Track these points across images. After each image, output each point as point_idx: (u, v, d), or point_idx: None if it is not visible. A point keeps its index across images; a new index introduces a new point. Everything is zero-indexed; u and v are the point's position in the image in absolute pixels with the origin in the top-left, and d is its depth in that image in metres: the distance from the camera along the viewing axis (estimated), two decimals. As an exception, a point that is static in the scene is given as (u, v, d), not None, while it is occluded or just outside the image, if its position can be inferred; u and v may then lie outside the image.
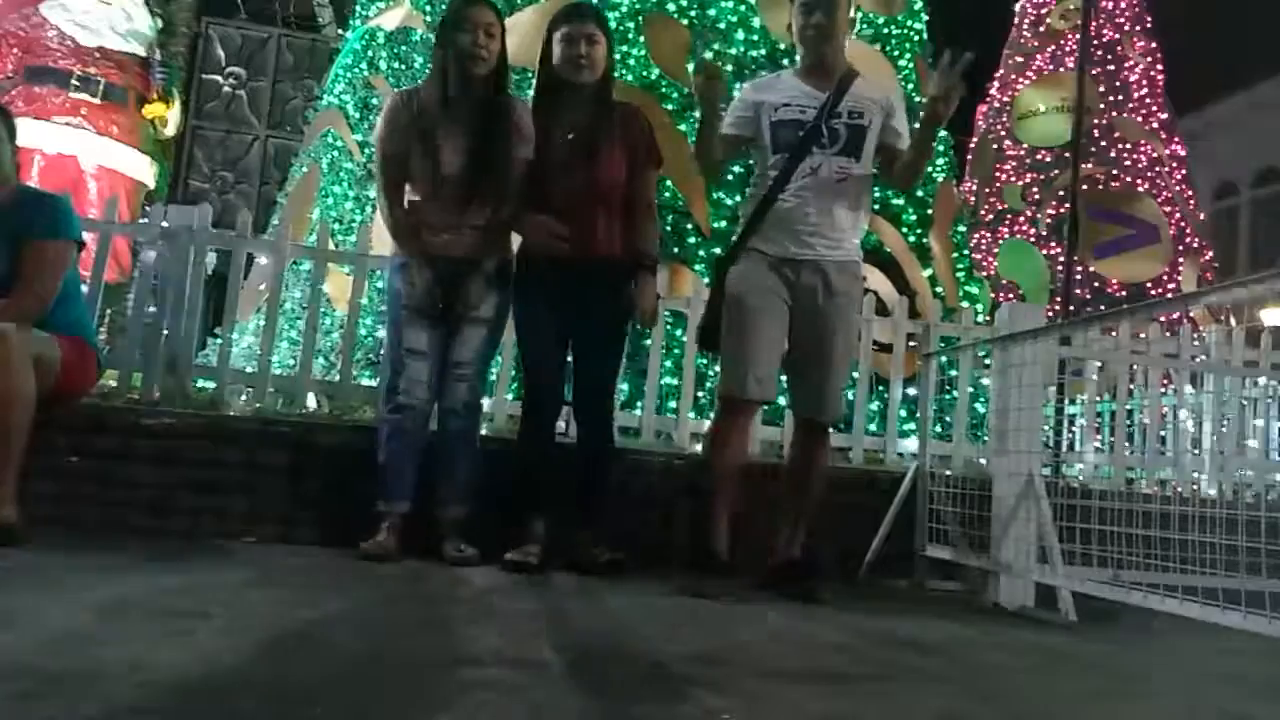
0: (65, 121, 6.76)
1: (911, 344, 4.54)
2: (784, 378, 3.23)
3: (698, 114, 3.21)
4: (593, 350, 3.22)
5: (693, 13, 5.43)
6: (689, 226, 4.96)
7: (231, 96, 11.98)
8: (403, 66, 6.03)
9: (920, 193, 5.68)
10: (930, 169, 5.98)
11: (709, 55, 5.28)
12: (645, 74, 5.20)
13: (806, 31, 3.14)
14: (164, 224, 3.93)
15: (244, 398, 4.06)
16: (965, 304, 5.59)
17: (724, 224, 4.82)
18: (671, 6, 5.40)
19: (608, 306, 3.21)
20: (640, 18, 5.31)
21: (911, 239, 5.52)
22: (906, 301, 4.54)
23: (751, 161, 3.43)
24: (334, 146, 6.30)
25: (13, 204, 3.06)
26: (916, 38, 6.28)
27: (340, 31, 9.13)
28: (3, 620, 1.88)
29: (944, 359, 4.44)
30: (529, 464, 3.21)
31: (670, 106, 5.11)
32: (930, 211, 5.75)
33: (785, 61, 5.30)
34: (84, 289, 3.49)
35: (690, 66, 5.23)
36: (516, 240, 3.32)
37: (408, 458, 3.12)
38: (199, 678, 1.58)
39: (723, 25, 5.40)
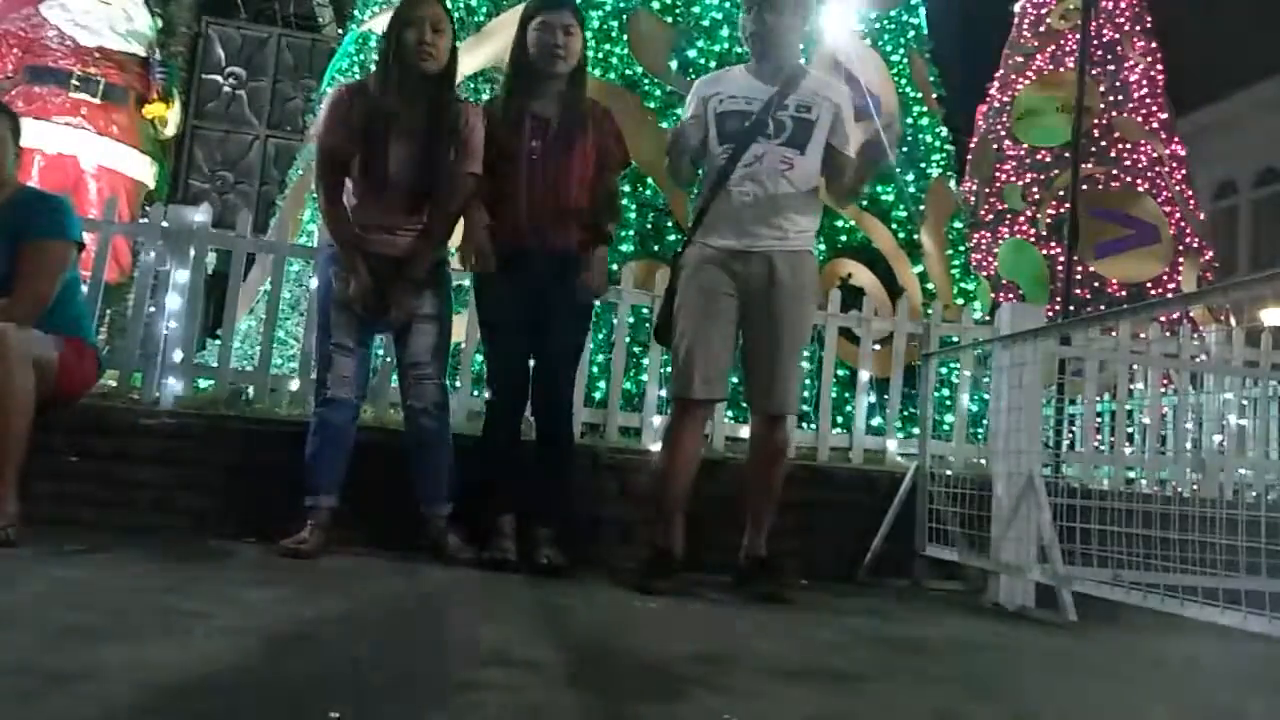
0: (65, 121, 6.75)
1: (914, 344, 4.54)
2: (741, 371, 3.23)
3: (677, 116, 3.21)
4: (553, 345, 3.20)
5: (677, 10, 5.41)
6: (669, 224, 4.96)
7: (231, 96, 11.96)
8: None
9: (912, 189, 5.64)
10: (924, 165, 5.94)
11: (692, 53, 5.26)
12: (628, 71, 5.19)
13: (751, 29, 3.16)
14: (164, 224, 3.93)
15: (244, 397, 4.06)
16: (959, 301, 5.57)
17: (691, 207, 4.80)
18: (656, 4, 5.38)
19: (570, 302, 3.20)
20: (624, 16, 5.29)
21: (901, 235, 5.49)
22: (907, 302, 4.54)
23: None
24: None
25: (13, 204, 3.06)
26: (912, 32, 6.24)
27: (340, 31, 9.16)
28: (3, 619, 1.88)
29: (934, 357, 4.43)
30: (496, 459, 3.20)
31: (652, 105, 5.10)
32: (922, 208, 5.70)
33: None
34: (84, 289, 3.49)
35: (673, 64, 5.23)
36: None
37: (335, 453, 3.07)
38: (199, 678, 1.58)
39: (706, 22, 5.38)
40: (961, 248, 6.12)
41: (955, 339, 4.37)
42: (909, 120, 5.91)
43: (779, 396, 3.08)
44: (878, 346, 4.53)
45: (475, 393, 4.08)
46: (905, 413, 4.46)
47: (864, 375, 4.32)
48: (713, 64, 5.22)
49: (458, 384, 4.04)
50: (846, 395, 4.42)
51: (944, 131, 6.26)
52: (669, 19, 5.38)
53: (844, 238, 5.31)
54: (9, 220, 3.01)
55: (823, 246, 5.10)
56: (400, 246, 3.10)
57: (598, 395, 4.25)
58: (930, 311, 4.54)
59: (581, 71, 3.26)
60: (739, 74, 3.27)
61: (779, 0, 3.10)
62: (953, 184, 6.41)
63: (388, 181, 3.07)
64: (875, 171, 3.21)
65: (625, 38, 5.24)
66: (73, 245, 3.13)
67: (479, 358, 4.42)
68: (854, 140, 3.19)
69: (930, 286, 5.47)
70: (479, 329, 3.32)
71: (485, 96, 5.05)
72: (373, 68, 6.08)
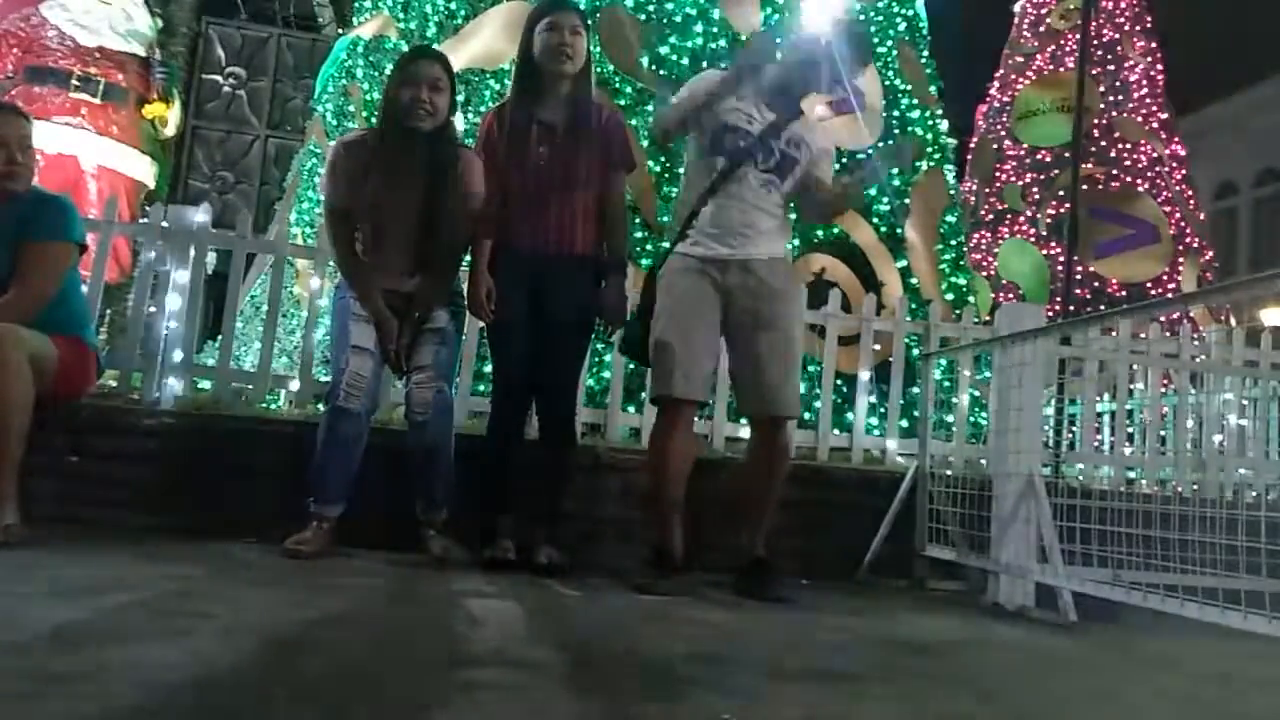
0: (65, 121, 6.75)
1: (919, 343, 4.53)
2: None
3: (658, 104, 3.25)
4: (559, 347, 3.21)
5: (650, 7, 5.40)
6: (636, 221, 4.94)
7: (231, 96, 11.97)
8: (376, 74, 6.03)
9: (896, 182, 5.55)
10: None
11: (664, 50, 5.24)
12: (599, 69, 5.19)
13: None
14: (164, 224, 3.93)
15: (244, 398, 4.06)
16: (949, 296, 5.51)
17: (671, 219, 4.79)
18: (628, 1, 5.36)
19: (576, 304, 3.22)
20: (595, 13, 5.28)
21: (884, 229, 5.43)
22: (905, 300, 4.53)
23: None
24: (314, 154, 6.34)
25: (16, 204, 3.07)
26: (903, 24, 6.14)
27: (340, 31, 9.18)
28: (3, 620, 1.88)
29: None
30: (501, 459, 3.20)
31: (623, 102, 5.09)
32: (907, 201, 5.61)
33: None
34: (84, 289, 3.50)
35: (644, 61, 5.22)
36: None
37: (344, 464, 3.08)
38: (199, 678, 1.58)
39: (679, 18, 5.35)
40: (954, 242, 5.99)
41: (943, 338, 4.37)
42: (896, 113, 5.82)
43: (784, 399, 3.09)
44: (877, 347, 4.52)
45: (477, 388, 4.07)
46: (880, 410, 4.45)
47: (864, 375, 4.31)
48: (685, 60, 5.21)
49: (458, 384, 4.04)
50: (814, 392, 4.39)
51: (939, 125, 6.14)
52: (641, 16, 5.36)
53: (819, 233, 5.27)
54: (12, 220, 3.02)
55: (796, 241, 5.07)
56: (414, 283, 3.18)
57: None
58: (920, 310, 4.53)
59: (587, 74, 3.27)
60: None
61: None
62: (951, 178, 6.31)
63: (390, 232, 3.16)
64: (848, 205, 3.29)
65: (596, 35, 5.24)
66: (74, 246, 3.14)
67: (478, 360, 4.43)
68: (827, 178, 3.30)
69: (914, 281, 5.41)
70: (486, 331, 3.34)
71: (460, 98, 5.06)
72: (357, 71, 6.16)
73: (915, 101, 5.98)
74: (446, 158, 3.18)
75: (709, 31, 5.35)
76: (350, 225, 3.22)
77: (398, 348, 3.14)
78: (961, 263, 5.99)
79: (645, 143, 4.85)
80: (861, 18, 5.76)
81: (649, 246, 4.86)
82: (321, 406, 3.35)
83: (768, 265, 3.11)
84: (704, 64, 5.22)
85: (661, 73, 5.17)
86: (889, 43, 5.99)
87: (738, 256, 3.08)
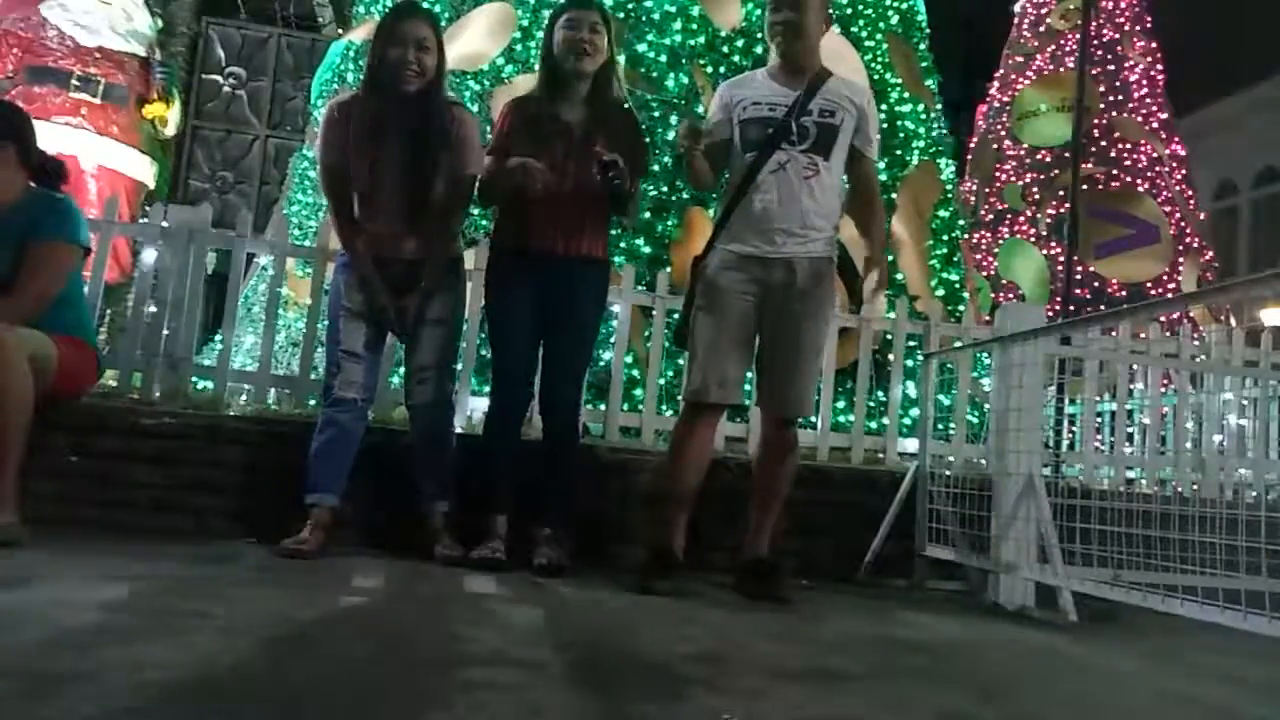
0: (65, 121, 6.76)
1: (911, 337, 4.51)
2: (752, 373, 3.23)
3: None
4: (565, 347, 3.21)
5: (629, 5, 5.37)
6: (611, 219, 4.92)
7: (231, 96, 11.95)
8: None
9: (884, 176, 5.43)
10: (902, 152, 5.81)
11: (642, 48, 5.23)
12: None
13: (775, 28, 3.13)
14: (164, 224, 3.93)
15: (244, 398, 4.06)
16: (940, 292, 5.48)
17: (647, 215, 4.75)
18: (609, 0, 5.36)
19: (584, 305, 3.22)
20: None
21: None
22: (903, 300, 4.52)
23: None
24: (306, 157, 6.35)
25: (21, 204, 3.07)
26: (895, 17, 6.07)
27: (340, 32, 9.18)
28: (3, 620, 1.88)
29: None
30: (496, 459, 3.21)
31: None
32: (895, 195, 5.51)
33: (725, 49, 5.26)
34: (85, 289, 3.50)
35: (621, 59, 5.19)
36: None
37: (339, 452, 3.08)
38: (199, 678, 1.58)
39: (657, 16, 5.31)
40: (946, 237, 5.88)
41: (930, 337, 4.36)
42: (884, 106, 5.74)
43: (793, 401, 3.10)
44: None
45: (476, 387, 4.06)
46: (871, 403, 4.43)
47: (864, 374, 4.31)
48: (663, 58, 5.18)
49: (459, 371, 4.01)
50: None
51: (930, 116, 6.03)
52: (619, 14, 5.33)
53: None
54: (17, 220, 3.02)
55: None
56: (410, 248, 3.14)
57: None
58: (921, 312, 4.51)
59: (606, 74, 3.25)
60: (761, 78, 3.22)
61: None
62: (950, 171, 6.20)
63: (385, 191, 3.12)
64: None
65: None
66: (79, 248, 3.14)
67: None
68: (875, 142, 3.20)
69: (900, 278, 5.33)
70: (488, 328, 3.33)
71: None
72: (349, 76, 6.13)
73: (906, 95, 5.92)
74: (436, 117, 3.13)
75: (688, 29, 5.33)
76: (345, 188, 3.17)
77: (396, 313, 3.11)
78: (955, 258, 5.90)
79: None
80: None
81: (623, 244, 4.83)
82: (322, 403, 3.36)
83: (809, 266, 3.07)
84: (683, 60, 5.21)
85: (640, 71, 5.13)
86: (879, 36, 5.94)
87: (780, 255, 3.05)
